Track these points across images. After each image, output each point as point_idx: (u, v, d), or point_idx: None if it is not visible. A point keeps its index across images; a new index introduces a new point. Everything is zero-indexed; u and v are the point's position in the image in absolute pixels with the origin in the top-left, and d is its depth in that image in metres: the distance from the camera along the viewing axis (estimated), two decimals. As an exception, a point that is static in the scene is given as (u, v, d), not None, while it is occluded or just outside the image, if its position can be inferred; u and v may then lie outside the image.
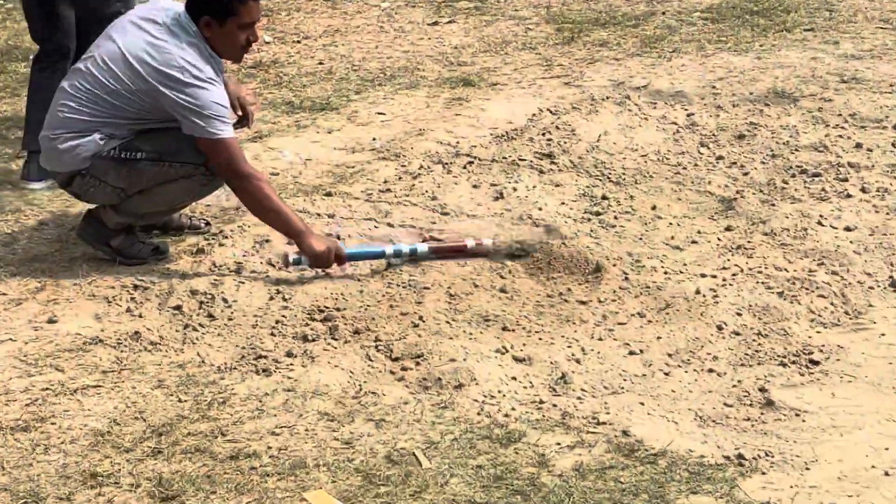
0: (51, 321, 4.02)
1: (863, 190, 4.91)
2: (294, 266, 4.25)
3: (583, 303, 4.07)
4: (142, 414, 3.48)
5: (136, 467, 3.23)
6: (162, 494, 3.12)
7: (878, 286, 4.20)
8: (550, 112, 5.86)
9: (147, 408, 3.51)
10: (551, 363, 3.72)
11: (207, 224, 4.72)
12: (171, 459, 3.26)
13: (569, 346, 3.82)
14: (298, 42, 7.42)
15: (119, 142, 4.23)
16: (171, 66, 4.12)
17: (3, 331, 3.97)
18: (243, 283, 4.20)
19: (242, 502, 3.10)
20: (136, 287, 4.20)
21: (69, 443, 3.36)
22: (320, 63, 6.96)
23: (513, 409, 3.48)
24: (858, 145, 5.35)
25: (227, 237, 4.53)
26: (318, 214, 4.76)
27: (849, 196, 4.87)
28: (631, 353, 3.79)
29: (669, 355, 3.78)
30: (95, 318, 4.04)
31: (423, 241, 4.44)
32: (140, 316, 4.04)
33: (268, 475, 3.18)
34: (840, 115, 5.70)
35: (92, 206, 4.44)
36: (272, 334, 3.91)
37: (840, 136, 5.46)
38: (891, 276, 4.24)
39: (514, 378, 3.64)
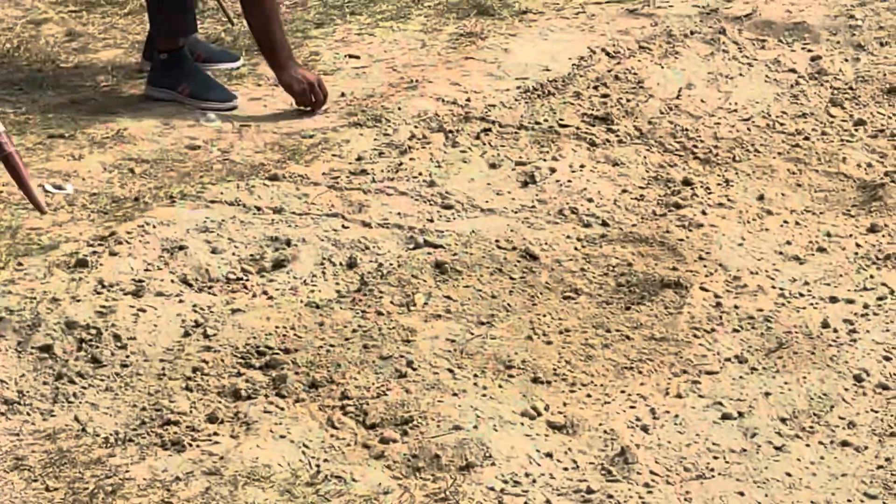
0: None
1: None
2: None
3: (653, 341, 4.07)
4: (-9, 511, 3.46)
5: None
6: None
7: None
8: (607, 54, 5.88)
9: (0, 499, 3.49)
10: (605, 432, 3.69)
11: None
12: (33, 578, 3.25)
13: (632, 407, 3.80)
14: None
15: None
16: None
17: None
18: (145, 311, 4.19)
19: None
20: (-16, 318, 4.19)
21: None
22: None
23: (547, 501, 3.45)
24: None
25: (121, 242, 4.51)
26: (259, 208, 4.76)
27: None
28: (725, 416, 3.75)
29: (783, 420, 3.75)
30: (-77, 365, 4.03)
31: None
32: (-8, 363, 4.03)
33: None
34: None
35: None
36: (187, 388, 3.88)
37: None
38: None
39: (549, 455, 3.61)
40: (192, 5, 5.79)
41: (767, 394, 3.83)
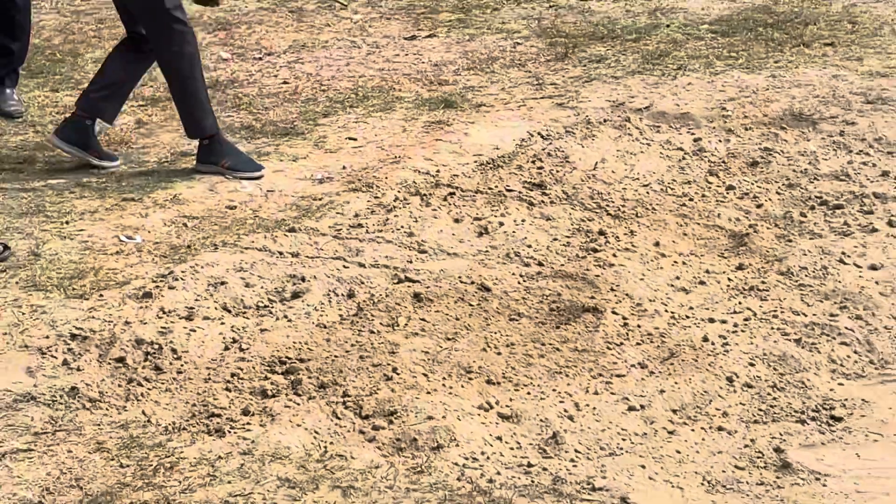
0: (-22, 375, 3.97)
1: (889, 224, 4.92)
2: None
3: (577, 352, 4.04)
4: (78, 481, 3.42)
5: (70, 542, 3.19)
6: (100, 573, 3.09)
7: (908, 332, 4.21)
8: (542, 137, 5.86)
9: (84, 474, 3.45)
10: (541, 421, 3.68)
11: (5, 248, 4.73)
12: (110, 533, 3.22)
13: (561, 402, 3.78)
14: (260, 59, 7.42)
15: None
16: None
17: (-77, 386, 3.93)
18: (195, 331, 4.16)
19: (191, 582, 3.06)
20: (73, 336, 4.15)
21: (-4, 514, 3.31)
22: (284, 82, 6.96)
23: (498, 473, 3.44)
24: (885, 174, 5.37)
25: (177, 279, 4.49)
26: (281, 253, 4.74)
27: (874, 230, 4.87)
28: (630, 408, 3.75)
29: (674, 411, 3.75)
30: (27, 372, 3.98)
31: None
32: (78, 369, 3.98)
33: (220, 551, 3.15)
34: (864, 139, 5.72)
35: None
36: (227, 389, 3.86)
37: (864, 164, 5.47)
38: (921, 321, 4.25)
39: (499, 438, 3.60)
40: (211, 108, 5.73)
41: (662, 391, 3.83)
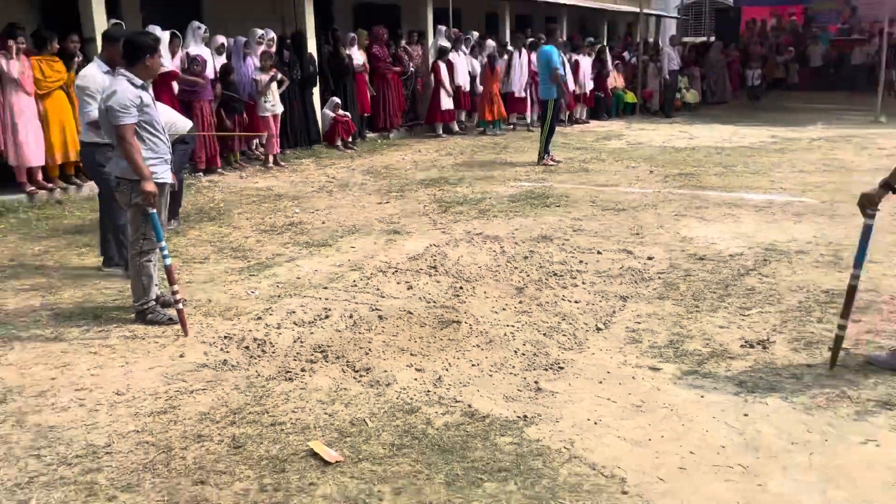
0: (181, 356, 3.87)
1: (583, 283, 5.01)
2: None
3: (450, 340, 4.04)
4: (226, 403, 3.36)
5: (222, 431, 3.12)
6: (236, 444, 3.02)
7: (591, 331, 4.25)
8: (435, 246, 5.88)
9: (228, 400, 3.39)
10: (433, 372, 3.68)
11: (184, 302, 4.31)
12: (240, 426, 3.16)
13: (443, 364, 3.78)
14: (313, 213, 7.37)
15: None
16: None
17: (155, 361, 3.82)
18: (280, 334, 4.11)
19: (276, 448, 3.00)
20: (226, 337, 4.07)
21: (187, 419, 3.23)
22: (323, 222, 6.91)
23: (415, 395, 3.44)
24: (581, 261, 5.48)
25: (273, 311, 4.43)
26: (319, 298, 4.69)
27: (576, 286, 4.96)
28: (473, 365, 3.76)
29: (492, 366, 3.76)
30: (203, 353, 3.90)
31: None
32: (227, 352, 3.91)
33: (289, 433, 3.10)
34: (574, 247, 5.83)
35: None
36: (294, 360, 3.81)
37: (573, 257, 5.57)
38: (596, 325, 4.30)
39: (415, 380, 3.60)
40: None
41: (487, 357, 3.82)
